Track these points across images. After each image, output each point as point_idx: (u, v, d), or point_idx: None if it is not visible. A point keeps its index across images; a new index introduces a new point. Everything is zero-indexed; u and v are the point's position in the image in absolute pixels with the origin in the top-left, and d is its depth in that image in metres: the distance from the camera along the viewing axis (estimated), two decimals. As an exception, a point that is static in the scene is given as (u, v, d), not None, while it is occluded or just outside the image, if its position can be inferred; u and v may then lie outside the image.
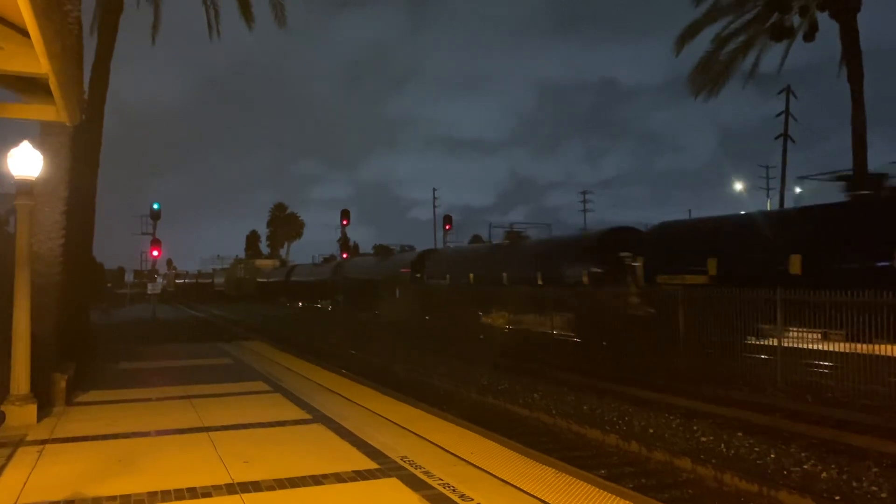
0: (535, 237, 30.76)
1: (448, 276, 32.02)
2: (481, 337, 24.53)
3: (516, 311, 23.83)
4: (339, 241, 48.63)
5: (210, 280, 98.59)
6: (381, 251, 44.88)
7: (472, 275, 29.55)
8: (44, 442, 7.94)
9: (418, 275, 35.30)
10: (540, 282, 24.27)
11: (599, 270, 22.03)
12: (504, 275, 26.60)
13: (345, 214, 45.77)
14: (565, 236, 29.92)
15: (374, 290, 37.42)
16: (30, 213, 9.00)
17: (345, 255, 46.94)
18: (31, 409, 8.88)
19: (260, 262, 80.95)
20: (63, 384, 10.21)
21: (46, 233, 10.54)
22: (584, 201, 70.96)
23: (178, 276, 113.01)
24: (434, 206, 63.56)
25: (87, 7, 17.15)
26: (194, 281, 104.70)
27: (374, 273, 40.28)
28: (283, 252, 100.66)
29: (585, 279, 22.21)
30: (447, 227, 49.30)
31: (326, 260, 56.97)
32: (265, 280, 69.84)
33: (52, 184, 10.44)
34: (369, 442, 7.77)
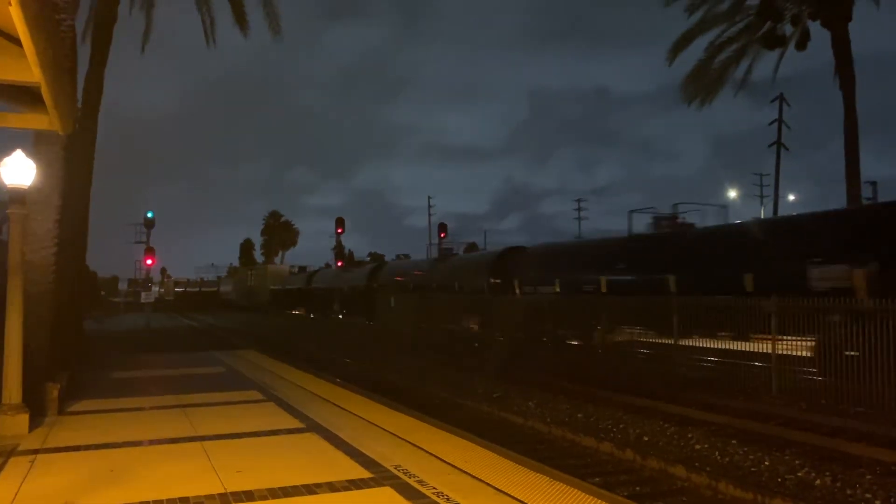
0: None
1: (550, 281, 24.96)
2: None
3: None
4: (333, 249, 48.73)
5: (215, 288, 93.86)
6: (442, 252, 38.00)
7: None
8: (35, 452, 7.89)
9: (517, 280, 26.76)
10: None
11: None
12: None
13: (339, 223, 45.86)
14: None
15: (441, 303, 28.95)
16: (23, 221, 8.98)
17: (339, 264, 46.91)
18: (23, 419, 8.82)
19: (273, 268, 75.18)
20: (55, 393, 10.15)
21: (39, 241, 10.52)
22: (579, 209, 71.23)
23: (177, 283, 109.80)
24: (429, 214, 63.67)
25: (82, 15, 17.17)
26: (197, 290, 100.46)
27: (443, 278, 32.21)
28: (277, 260, 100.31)
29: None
30: (442, 235, 49.34)
31: (358, 263, 53.14)
32: (280, 287, 63.96)
33: (46, 192, 10.41)
34: (363, 451, 7.74)
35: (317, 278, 53.36)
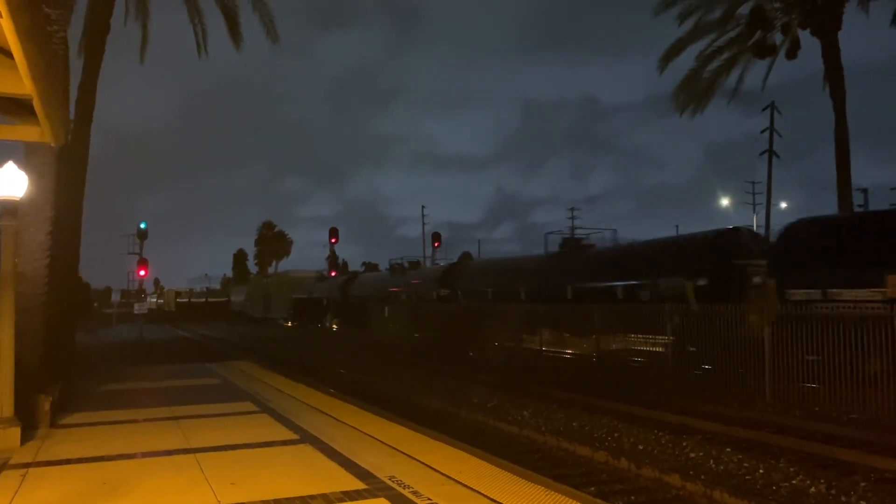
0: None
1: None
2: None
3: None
4: (327, 259, 48.65)
5: (225, 298, 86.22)
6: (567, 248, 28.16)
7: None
8: (27, 465, 7.84)
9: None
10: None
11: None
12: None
13: (333, 233, 45.89)
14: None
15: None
16: (14, 233, 8.95)
17: (333, 273, 46.82)
18: (15, 432, 8.77)
19: (296, 274, 66.19)
20: (47, 406, 10.09)
21: (31, 253, 10.47)
22: (573, 217, 71.00)
23: (178, 294, 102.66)
24: (423, 224, 63.64)
25: (75, 26, 17.15)
26: (203, 300, 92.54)
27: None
28: (271, 270, 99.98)
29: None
30: (436, 245, 49.39)
31: (412, 265, 42.01)
32: (305, 296, 53.89)
33: (38, 204, 10.37)
34: (357, 462, 7.72)
35: (356, 285, 45.26)
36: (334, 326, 45.51)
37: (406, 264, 41.14)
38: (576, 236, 29.22)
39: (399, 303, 35.74)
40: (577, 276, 24.03)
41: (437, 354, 25.63)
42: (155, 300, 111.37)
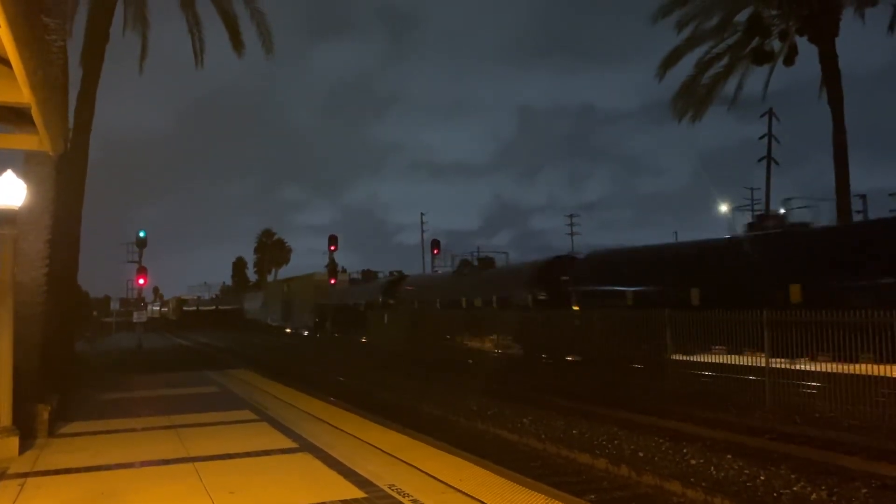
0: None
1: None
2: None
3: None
4: (326, 266, 48.50)
5: (237, 305, 78.45)
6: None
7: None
8: (25, 475, 7.81)
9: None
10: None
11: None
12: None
13: (332, 240, 45.71)
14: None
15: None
16: (13, 242, 8.94)
17: (332, 281, 46.71)
18: (13, 442, 8.74)
19: (322, 277, 51.66)
20: (46, 415, 10.07)
21: (30, 262, 10.46)
22: (571, 224, 71.17)
23: (183, 301, 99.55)
24: (422, 231, 63.63)
25: (75, 36, 17.20)
26: (213, 307, 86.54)
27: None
28: (270, 278, 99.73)
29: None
30: (435, 252, 49.37)
31: (483, 262, 36.00)
32: (336, 302, 46.49)
33: (36, 213, 10.37)
34: (357, 470, 7.69)
35: (405, 290, 38.46)
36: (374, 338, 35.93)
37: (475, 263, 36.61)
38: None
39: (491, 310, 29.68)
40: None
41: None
42: (159, 308, 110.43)
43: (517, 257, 42.85)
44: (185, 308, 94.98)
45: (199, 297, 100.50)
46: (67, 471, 8.03)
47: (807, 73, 26.02)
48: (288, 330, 56.99)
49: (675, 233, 44.51)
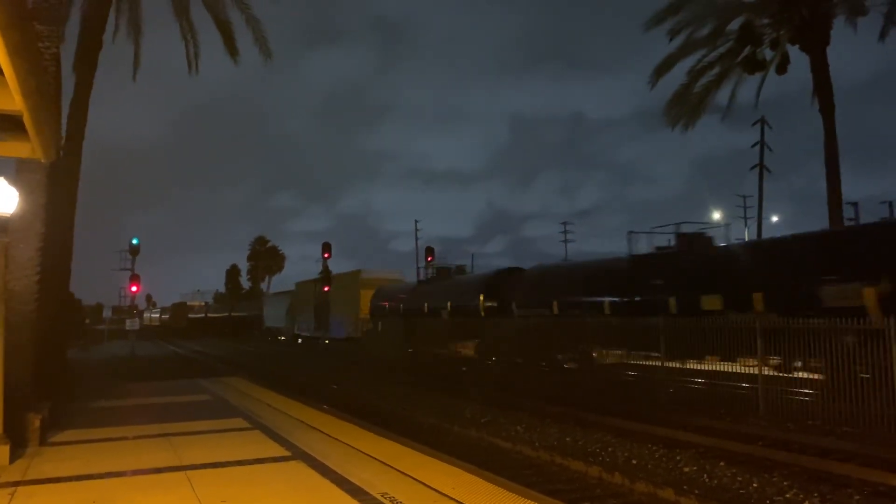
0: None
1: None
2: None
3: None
4: (320, 273, 48.41)
5: (256, 312, 67.81)
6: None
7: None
8: (16, 484, 7.76)
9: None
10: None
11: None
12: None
13: (326, 247, 45.68)
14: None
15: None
16: (4, 250, 8.91)
17: (326, 289, 46.56)
18: (4, 451, 8.69)
19: (371, 275, 45.64)
20: (37, 424, 10.01)
21: (21, 269, 10.41)
22: (565, 232, 71.34)
23: (187, 307, 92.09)
24: (416, 238, 63.62)
25: (67, 43, 17.17)
26: (226, 314, 76.72)
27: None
28: (264, 286, 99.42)
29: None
30: (429, 259, 49.34)
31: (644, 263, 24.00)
32: (385, 302, 39.22)
33: (28, 220, 10.34)
34: (350, 479, 7.67)
35: (525, 287, 27.67)
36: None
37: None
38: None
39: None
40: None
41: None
42: (159, 315, 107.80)
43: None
44: (190, 315, 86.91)
45: (206, 304, 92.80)
46: (58, 479, 7.98)
47: (799, 82, 26.14)
48: (323, 341, 48.98)
49: (669, 240, 44.33)
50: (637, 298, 21.10)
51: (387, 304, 38.85)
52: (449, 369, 26.47)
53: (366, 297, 42.51)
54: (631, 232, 23.93)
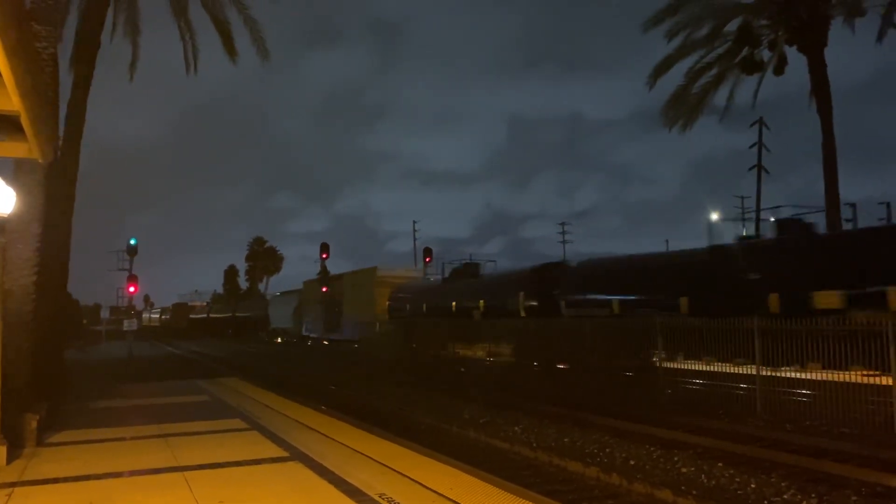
0: None
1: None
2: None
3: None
4: (318, 274, 48.44)
5: (260, 312, 65.27)
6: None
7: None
8: (13, 485, 7.74)
9: None
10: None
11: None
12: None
13: (324, 248, 45.75)
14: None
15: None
16: (2, 250, 8.90)
17: (324, 290, 46.56)
18: (1, 451, 8.67)
19: (387, 272, 42.33)
20: (34, 424, 9.99)
21: (19, 270, 10.40)
22: (563, 233, 71.30)
23: (188, 308, 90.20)
24: (414, 239, 63.62)
25: (65, 42, 17.15)
26: (230, 314, 75.13)
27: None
28: (262, 286, 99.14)
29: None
30: (427, 260, 49.34)
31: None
32: (406, 302, 37.06)
33: (26, 220, 10.32)
34: (347, 479, 7.66)
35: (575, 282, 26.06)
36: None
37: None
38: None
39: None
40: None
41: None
42: (159, 315, 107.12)
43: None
44: (192, 316, 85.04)
45: (208, 304, 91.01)
46: (56, 480, 7.97)
47: (797, 83, 26.20)
48: (325, 342, 47.27)
49: (667, 241, 44.40)
50: (723, 296, 18.04)
51: (408, 305, 36.13)
52: (486, 375, 22.68)
53: (381, 295, 39.71)
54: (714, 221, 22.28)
